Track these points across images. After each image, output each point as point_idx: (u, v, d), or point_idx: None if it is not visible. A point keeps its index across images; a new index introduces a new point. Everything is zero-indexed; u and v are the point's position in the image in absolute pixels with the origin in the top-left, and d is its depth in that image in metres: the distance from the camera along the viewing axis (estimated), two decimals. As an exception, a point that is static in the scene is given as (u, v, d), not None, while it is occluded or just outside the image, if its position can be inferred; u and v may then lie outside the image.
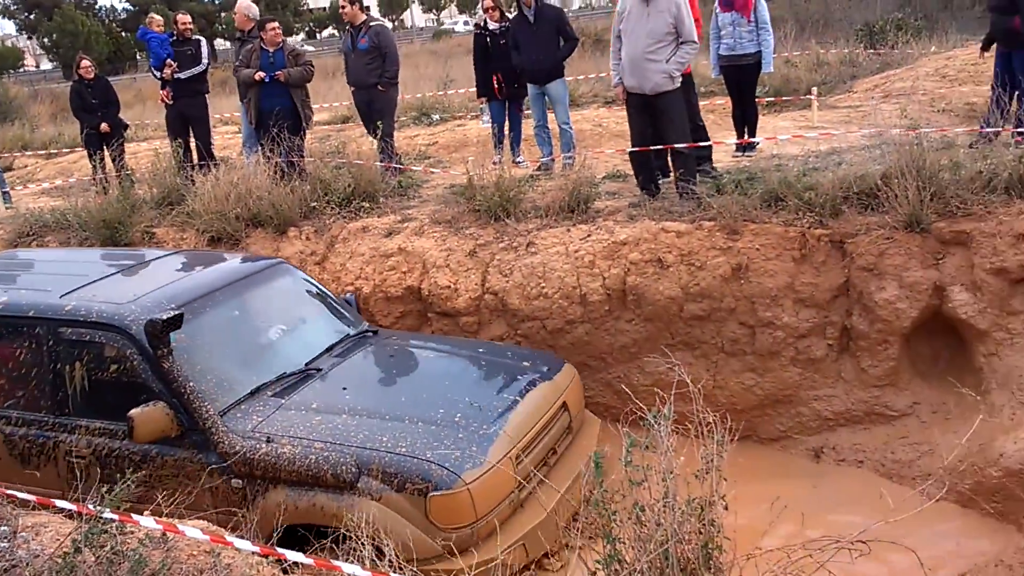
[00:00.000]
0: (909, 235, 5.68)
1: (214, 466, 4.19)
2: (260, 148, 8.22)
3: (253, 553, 3.29)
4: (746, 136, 8.36)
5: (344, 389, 4.65)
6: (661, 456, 2.96)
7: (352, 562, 3.15)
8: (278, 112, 8.35)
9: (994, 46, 7.49)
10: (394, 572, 3.15)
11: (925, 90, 10.38)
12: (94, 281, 5.01)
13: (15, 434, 4.70)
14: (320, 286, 5.90)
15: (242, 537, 3.40)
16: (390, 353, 5.29)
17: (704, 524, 2.87)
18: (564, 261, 6.46)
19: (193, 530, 3.29)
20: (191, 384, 4.31)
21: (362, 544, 3.24)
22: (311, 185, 7.99)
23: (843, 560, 2.81)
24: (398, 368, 5.16)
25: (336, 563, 3.11)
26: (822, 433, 6.01)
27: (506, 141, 9.29)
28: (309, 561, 3.25)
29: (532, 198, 7.29)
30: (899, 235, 5.69)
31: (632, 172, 7.28)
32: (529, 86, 8.81)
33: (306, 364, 4.89)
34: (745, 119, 8.49)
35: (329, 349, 5.12)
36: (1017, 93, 6.90)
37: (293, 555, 3.29)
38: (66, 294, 4.79)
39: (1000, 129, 6.64)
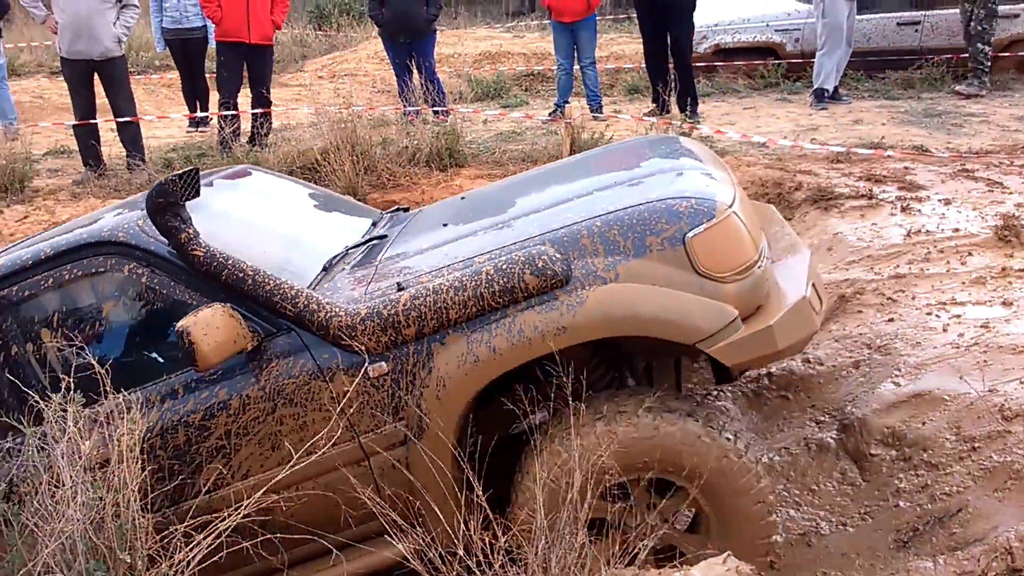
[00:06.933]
0: (348, 204, 6.32)
1: (336, 364, 2.66)
2: None
3: None
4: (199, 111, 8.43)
5: (445, 225, 3.22)
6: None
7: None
8: None
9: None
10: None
11: (367, 72, 11.40)
12: None
13: None
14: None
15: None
16: (460, 197, 3.82)
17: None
18: (-1, 246, 5.95)
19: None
20: (247, 267, 2.70)
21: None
22: None
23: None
24: (494, 203, 3.47)
25: None
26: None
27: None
28: None
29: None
30: (339, 205, 6.30)
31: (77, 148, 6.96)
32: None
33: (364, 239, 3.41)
34: (196, 94, 8.52)
35: (375, 224, 3.66)
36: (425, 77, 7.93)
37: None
38: None
39: (419, 108, 7.63)
